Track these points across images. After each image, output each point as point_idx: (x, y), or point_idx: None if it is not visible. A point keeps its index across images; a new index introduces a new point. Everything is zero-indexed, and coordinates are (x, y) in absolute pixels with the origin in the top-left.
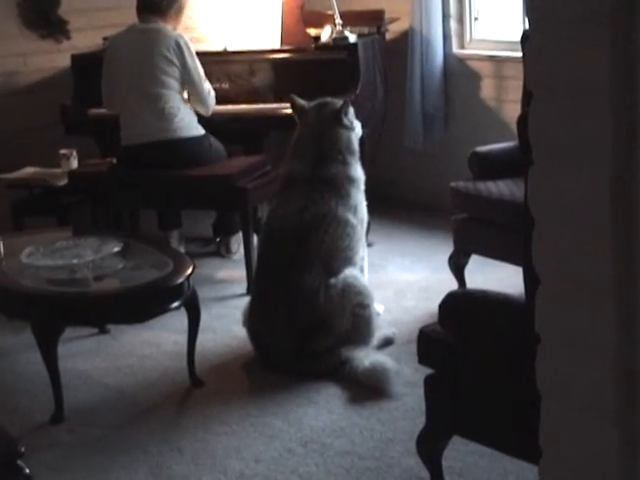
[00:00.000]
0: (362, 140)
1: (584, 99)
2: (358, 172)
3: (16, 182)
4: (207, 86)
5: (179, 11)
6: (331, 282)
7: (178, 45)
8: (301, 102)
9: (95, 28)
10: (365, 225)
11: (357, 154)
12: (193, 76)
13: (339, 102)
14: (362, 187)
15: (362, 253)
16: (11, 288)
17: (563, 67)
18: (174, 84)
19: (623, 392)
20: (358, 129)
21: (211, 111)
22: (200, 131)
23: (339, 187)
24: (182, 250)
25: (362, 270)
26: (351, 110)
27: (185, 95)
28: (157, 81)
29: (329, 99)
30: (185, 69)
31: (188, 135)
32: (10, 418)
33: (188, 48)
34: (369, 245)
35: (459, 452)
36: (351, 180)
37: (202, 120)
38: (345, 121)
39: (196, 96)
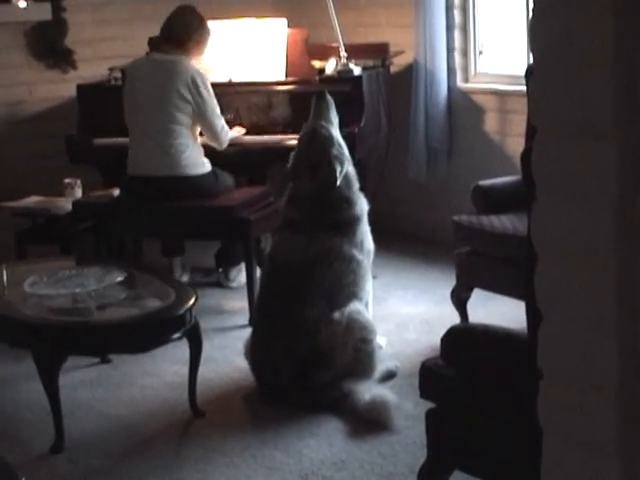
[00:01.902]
0: (365, 173)
1: (588, 135)
2: (363, 206)
3: (20, 211)
4: (221, 123)
5: (201, 42)
6: (335, 317)
7: (194, 82)
8: (293, 167)
9: (101, 58)
10: (372, 257)
11: (357, 184)
12: (206, 112)
13: (326, 131)
14: (366, 218)
15: (368, 288)
16: (14, 317)
17: (568, 102)
18: (186, 120)
19: (625, 429)
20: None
21: (225, 146)
22: (206, 168)
23: (345, 228)
24: (186, 278)
25: (367, 304)
26: (339, 154)
27: (198, 129)
28: (170, 116)
29: (315, 132)
30: (198, 106)
31: (194, 173)
32: (10, 447)
33: (204, 84)
34: (373, 278)
35: None
36: (357, 218)
37: (207, 151)
38: (341, 182)
39: (208, 132)
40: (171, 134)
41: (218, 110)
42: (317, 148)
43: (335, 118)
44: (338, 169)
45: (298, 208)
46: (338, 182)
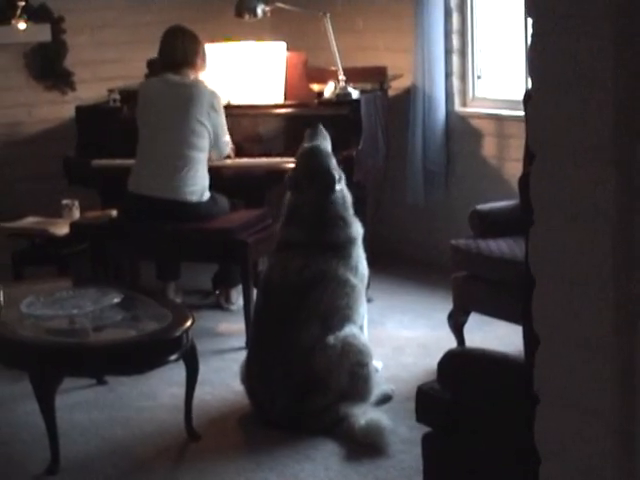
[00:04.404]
0: (363, 196)
1: (586, 160)
2: (358, 229)
3: (17, 231)
4: (227, 138)
5: (205, 57)
6: (330, 341)
7: (213, 107)
8: (293, 177)
9: (100, 80)
10: (366, 281)
11: (351, 207)
12: (218, 132)
13: (324, 148)
14: (361, 242)
15: (362, 311)
16: (10, 337)
17: (566, 128)
18: (201, 144)
19: (622, 456)
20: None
21: (224, 157)
22: (207, 195)
23: (341, 249)
24: (179, 301)
25: (362, 328)
26: (337, 168)
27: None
28: (186, 142)
29: (314, 147)
30: (214, 126)
31: (197, 200)
32: (5, 469)
33: (220, 106)
34: (368, 301)
35: None
36: (352, 240)
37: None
38: (338, 189)
39: (215, 148)
40: (184, 159)
41: (226, 127)
42: (316, 159)
43: (330, 149)
44: (337, 176)
45: (295, 227)
46: (337, 187)
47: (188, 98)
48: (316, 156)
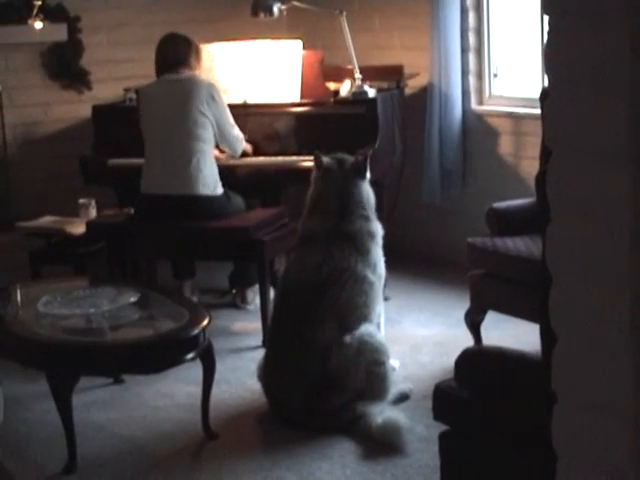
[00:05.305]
0: (380, 194)
1: (603, 158)
2: (378, 227)
3: (34, 231)
4: (235, 132)
5: (199, 57)
6: (346, 340)
7: (212, 97)
8: (325, 160)
9: (116, 79)
10: (383, 281)
11: (374, 206)
12: (223, 124)
13: (352, 158)
14: (380, 242)
15: (379, 310)
16: (27, 336)
17: (582, 126)
18: (206, 135)
19: (639, 454)
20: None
21: (239, 155)
22: (220, 189)
23: (360, 243)
24: (195, 300)
25: (378, 326)
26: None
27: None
28: (190, 133)
29: (343, 154)
30: (215, 117)
31: (209, 193)
32: (23, 467)
33: (220, 97)
34: (385, 299)
35: None
36: (372, 236)
37: (222, 172)
38: (368, 174)
39: (224, 141)
40: (191, 151)
41: (232, 120)
42: (348, 156)
43: None
44: (368, 162)
45: (317, 218)
46: (366, 172)
47: (187, 91)
48: (346, 155)
